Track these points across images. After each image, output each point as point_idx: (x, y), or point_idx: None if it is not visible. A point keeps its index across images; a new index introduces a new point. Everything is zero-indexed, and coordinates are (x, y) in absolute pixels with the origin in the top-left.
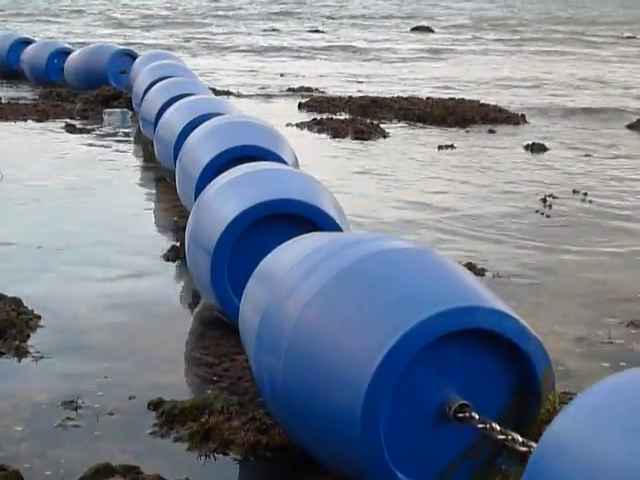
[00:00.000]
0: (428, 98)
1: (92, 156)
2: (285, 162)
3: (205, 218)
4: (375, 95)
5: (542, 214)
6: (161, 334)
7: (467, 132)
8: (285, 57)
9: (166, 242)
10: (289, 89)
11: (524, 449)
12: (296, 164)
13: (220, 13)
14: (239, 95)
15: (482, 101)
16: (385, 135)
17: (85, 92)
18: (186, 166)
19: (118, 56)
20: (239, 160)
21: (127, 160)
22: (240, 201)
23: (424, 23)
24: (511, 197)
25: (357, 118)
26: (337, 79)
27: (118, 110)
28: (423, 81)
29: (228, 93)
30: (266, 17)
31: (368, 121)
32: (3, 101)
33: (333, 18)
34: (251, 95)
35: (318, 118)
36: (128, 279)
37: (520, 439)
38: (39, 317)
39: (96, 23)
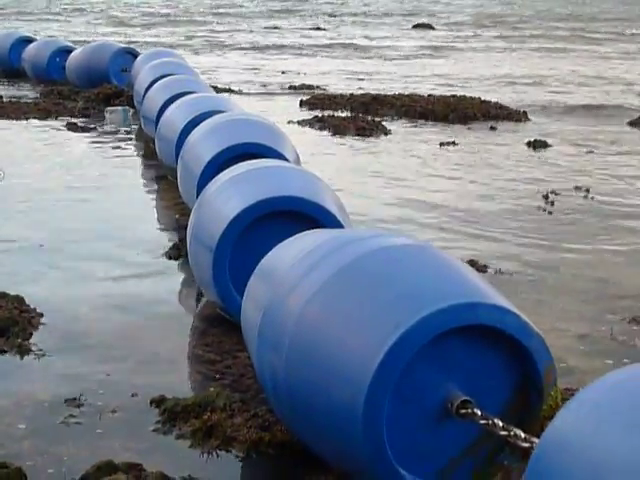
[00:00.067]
0: (429, 95)
1: (94, 154)
2: (287, 159)
3: (207, 215)
4: (376, 92)
5: (544, 211)
6: (163, 332)
7: (469, 129)
8: (286, 55)
9: (168, 240)
10: (290, 87)
11: (526, 445)
12: (297, 161)
13: (221, 11)
14: (240, 93)
15: (483, 98)
16: (387, 132)
17: (87, 90)
18: (188, 164)
19: (119, 54)
20: (241, 157)
21: (129, 158)
22: (242, 198)
23: (425, 20)
24: (513, 194)
25: (358, 115)
26: (338, 76)
27: (120, 108)
28: (424, 78)
29: (229, 91)
30: (267, 15)
31: (369, 118)
32: (4, 100)
33: (334, 15)
34: (252, 93)
35: (319, 115)
36: (130, 277)
37: (522, 435)
38: (41, 315)
39: (97, 21)
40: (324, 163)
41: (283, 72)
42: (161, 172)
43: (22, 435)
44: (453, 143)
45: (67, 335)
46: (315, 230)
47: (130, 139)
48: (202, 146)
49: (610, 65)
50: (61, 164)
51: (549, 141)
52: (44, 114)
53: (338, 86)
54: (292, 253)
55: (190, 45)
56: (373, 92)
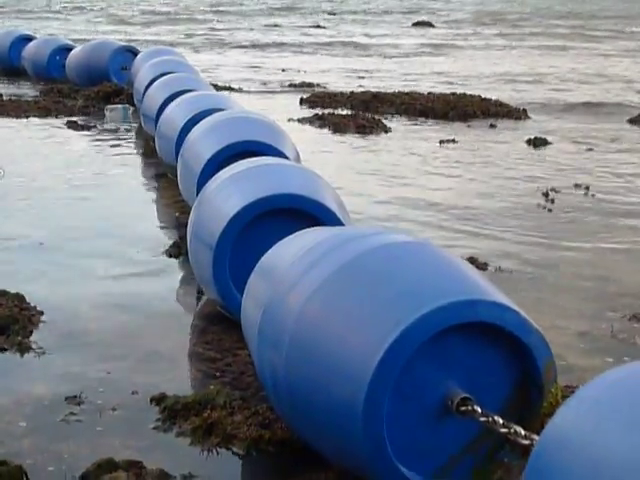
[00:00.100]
0: (429, 93)
1: (93, 152)
2: (287, 157)
3: (207, 213)
4: (376, 90)
5: (544, 208)
6: (163, 330)
7: (468, 127)
8: (286, 53)
9: (168, 238)
10: (290, 84)
11: (527, 442)
12: (298, 159)
13: (221, 9)
14: (241, 91)
15: (483, 96)
16: (387, 130)
17: (86, 88)
18: (188, 162)
19: (119, 52)
20: (241, 155)
21: (128, 156)
22: (242, 196)
23: (425, 18)
24: (512, 191)
25: (359, 113)
26: (338, 74)
27: (120, 106)
28: (424, 76)
29: (229, 89)
30: (267, 12)
31: (370, 116)
32: (4, 98)
33: (334, 13)
34: (253, 91)
35: (320, 113)
36: (130, 275)
37: (523, 432)
38: (42, 313)
39: (97, 20)
40: (324, 161)
41: (283, 70)
42: (161, 170)
43: (22, 433)
44: (453, 141)
45: (67, 333)
46: (315, 228)
47: (130, 137)
48: (202, 144)
49: (610, 63)
50: (61, 162)
51: (549, 139)
52: (44, 112)
53: (338, 84)
54: (292, 251)
55: (190, 43)
56: (373, 90)
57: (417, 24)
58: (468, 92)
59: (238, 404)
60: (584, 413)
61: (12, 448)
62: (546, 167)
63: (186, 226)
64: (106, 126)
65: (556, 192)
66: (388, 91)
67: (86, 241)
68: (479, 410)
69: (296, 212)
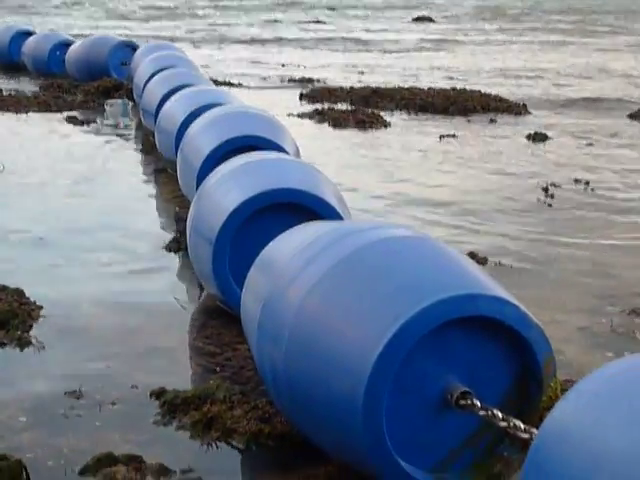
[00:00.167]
0: (429, 88)
1: (93, 147)
2: (286, 152)
3: (206, 208)
4: (376, 85)
5: (544, 203)
6: (163, 324)
7: (468, 122)
8: (286, 48)
9: (168, 233)
10: (290, 80)
11: (526, 436)
12: (297, 154)
13: (221, 4)
14: (240, 86)
15: (483, 91)
16: (386, 125)
17: (86, 83)
18: (187, 156)
19: (119, 47)
20: (240, 150)
21: (128, 151)
22: (241, 191)
23: (425, 13)
24: (512, 186)
25: (358, 108)
26: (338, 69)
27: (119, 101)
28: (424, 71)
29: (229, 84)
30: (268, 8)
31: (369, 111)
32: (4, 93)
33: (334, 9)
34: (252, 86)
35: (319, 108)
36: (129, 269)
37: (522, 426)
38: (41, 307)
39: (97, 15)
40: (324, 156)
41: (283, 65)
42: (160, 165)
43: (22, 427)
44: (453, 136)
45: (67, 327)
46: (315, 222)
47: (130, 132)
48: (202, 139)
49: (610, 58)
50: (61, 157)
51: (549, 134)
52: (44, 107)
53: (338, 79)
54: (292, 245)
55: (190, 38)
56: (373, 85)
57: (417, 19)
58: (468, 87)
59: (238, 398)
60: (583, 406)
61: (12, 442)
62: (546, 162)
63: (186, 221)
64: (106, 121)
65: (556, 187)
66: (388, 86)
67: (86, 236)
68: (478, 404)
69: (296, 207)
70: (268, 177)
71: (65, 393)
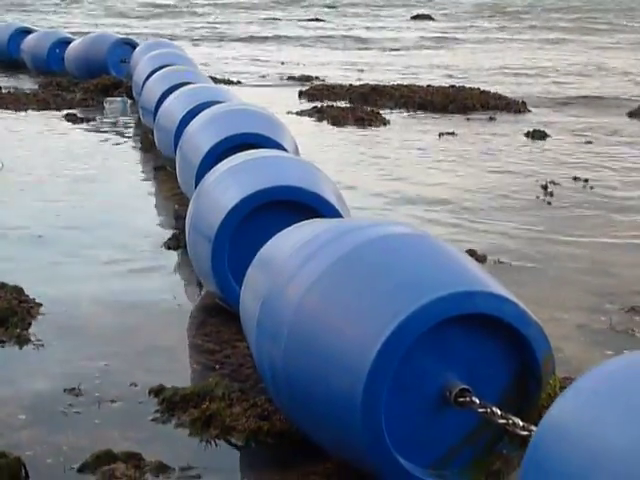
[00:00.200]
0: (429, 86)
1: (92, 145)
2: (285, 149)
3: (205, 206)
4: (375, 83)
5: (543, 201)
6: (162, 322)
7: (468, 120)
8: (286, 45)
9: (167, 230)
10: (289, 77)
11: (525, 433)
12: (296, 151)
13: (220, 2)
14: (239, 83)
15: (483, 89)
16: (385, 123)
17: (85, 81)
18: (186, 154)
19: (118, 45)
20: (239, 148)
21: (127, 149)
22: (240, 188)
23: (424, 11)
24: (512, 184)
25: (358, 106)
26: (337, 67)
27: (118, 99)
28: (424, 69)
29: (228, 82)
30: (267, 6)
31: (368, 109)
32: (3, 91)
33: (334, 7)
34: (252, 84)
35: (318, 106)
36: (129, 267)
37: (521, 423)
38: (40, 305)
39: (96, 12)
40: (323, 153)
41: (282, 63)
42: (160, 162)
43: (21, 425)
44: (452, 134)
45: (66, 325)
46: (313, 220)
47: (129, 130)
48: (201, 136)
49: (610, 56)
50: (60, 155)
51: (548, 132)
52: (43, 105)
53: (337, 77)
54: (291, 243)
55: (189, 36)
56: (372, 83)
57: (417, 17)
58: (467, 85)
59: (237, 396)
60: (582, 404)
61: (11, 440)
62: (545, 160)
63: (185, 218)
64: (105, 119)
65: (555, 185)
66: (387, 84)
67: (84, 233)
68: (477, 401)
69: (294, 204)
70: (267, 175)
71: (64, 391)
